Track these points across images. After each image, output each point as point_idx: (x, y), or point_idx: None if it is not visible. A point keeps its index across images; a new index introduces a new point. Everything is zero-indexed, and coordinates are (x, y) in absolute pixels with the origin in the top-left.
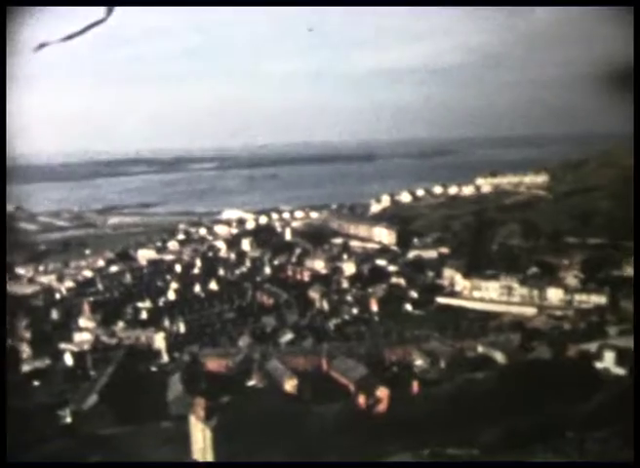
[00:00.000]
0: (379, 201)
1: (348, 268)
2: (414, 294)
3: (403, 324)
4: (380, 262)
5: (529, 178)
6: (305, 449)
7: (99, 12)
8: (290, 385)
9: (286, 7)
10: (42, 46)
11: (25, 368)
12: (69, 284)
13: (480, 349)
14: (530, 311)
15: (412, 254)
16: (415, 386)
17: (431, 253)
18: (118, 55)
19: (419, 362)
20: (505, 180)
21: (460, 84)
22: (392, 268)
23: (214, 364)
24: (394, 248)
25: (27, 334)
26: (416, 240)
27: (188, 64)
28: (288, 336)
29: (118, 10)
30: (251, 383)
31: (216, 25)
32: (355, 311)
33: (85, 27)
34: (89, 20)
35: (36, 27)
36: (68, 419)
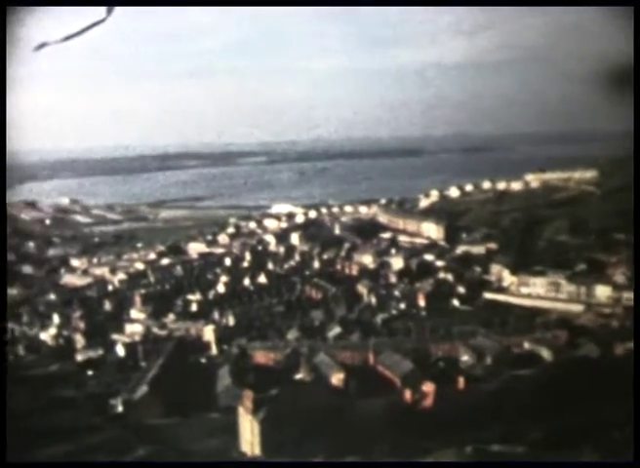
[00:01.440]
0: (427, 196)
1: (396, 263)
2: (461, 290)
3: (450, 319)
4: (428, 257)
5: (578, 174)
6: (350, 443)
7: (99, 12)
8: (337, 379)
9: (329, 7)
10: (42, 46)
11: (79, 357)
12: (122, 276)
13: (526, 346)
14: (577, 308)
15: (460, 250)
16: (461, 382)
17: (479, 249)
18: (158, 50)
19: (465, 357)
20: (555, 176)
21: (505, 80)
22: (440, 263)
23: (262, 357)
24: (442, 243)
25: (81, 325)
26: (464, 235)
27: (235, 60)
28: (336, 331)
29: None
30: (298, 377)
31: (261, 22)
32: (403, 306)
33: (85, 27)
34: (89, 20)
35: (36, 27)
36: (120, 408)
